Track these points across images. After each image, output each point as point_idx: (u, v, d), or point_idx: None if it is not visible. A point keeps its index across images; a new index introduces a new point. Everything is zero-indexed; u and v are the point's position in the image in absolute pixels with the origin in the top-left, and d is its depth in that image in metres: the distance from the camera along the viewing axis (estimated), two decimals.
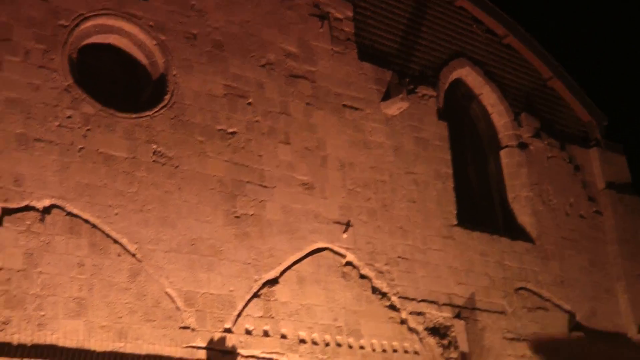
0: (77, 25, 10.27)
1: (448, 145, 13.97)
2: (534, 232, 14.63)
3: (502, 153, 15.23)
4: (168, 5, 11.18)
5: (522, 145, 15.23)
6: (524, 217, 14.77)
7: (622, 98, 31.01)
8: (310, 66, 12.52)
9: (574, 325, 14.37)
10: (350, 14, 13.31)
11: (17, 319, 8.75)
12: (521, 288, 13.88)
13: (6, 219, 9.05)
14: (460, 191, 14.05)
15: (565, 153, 15.94)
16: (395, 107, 13.15)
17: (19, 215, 9.15)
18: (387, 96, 13.21)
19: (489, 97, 15.39)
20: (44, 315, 8.93)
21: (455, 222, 13.44)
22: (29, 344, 8.73)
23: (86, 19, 10.39)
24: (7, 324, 8.67)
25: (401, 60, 13.94)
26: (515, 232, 14.55)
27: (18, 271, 8.92)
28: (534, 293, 14.04)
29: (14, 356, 8.55)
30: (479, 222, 14.20)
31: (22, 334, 8.72)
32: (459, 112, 15.23)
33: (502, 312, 13.36)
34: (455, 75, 14.94)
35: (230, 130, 11.23)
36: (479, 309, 13.04)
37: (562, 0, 31.58)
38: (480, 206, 14.84)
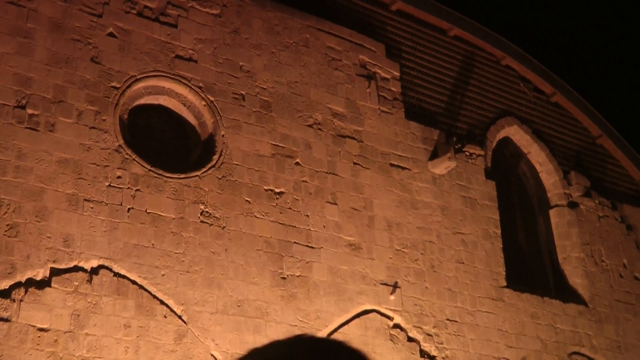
0: (128, 86, 10.43)
1: (496, 205, 13.75)
2: (586, 294, 14.22)
3: (552, 212, 14.95)
4: (217, 67, 11.31)
5: (572, 205, 14.94)
6: (576, 279, 14.39)
7: None
8: (357, 126, 12.50)
9: None
10: (397, 73, 13.32)
11: None
12: (575, 353, 13.44)
13: (54, 279, 9.07)
14: (509, 252, 13.78)
15: (617, 212, 15.58)
16: (442, 166, 13.02)
17: (67, 275, 9.17)
18: (434, 155, 13.10)
19: (537, 156, 15.19)
20: None
21: (504, 283, 13.13)
22: None
23: (137, 80, 10.55)
24: None
25: (448, 119, 13.88)
26: (567, 294, 14.16)
27: (65, 332, 8.90)
28: (589, 358, 13.57)
29: None
30: (529, 283, 13.87)
31: None
32: (507, 171, 15.04)
33: None
34: (503, 133, 14.80)
35: (278, 190, 11.20)
36: None
37: (609, 58, 31.35)
38: (530, 267, 14.51)
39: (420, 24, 14.30)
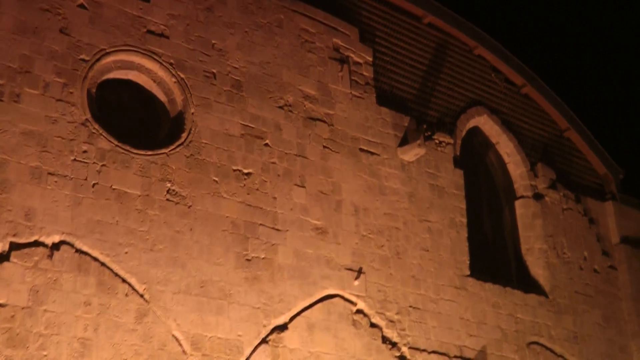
0: (97, 60, 10.22)
1: (463, 194, 13.79)
2: (547, 285, 14.37)
3: (517, 203, 15.04)
4: (189, 44, 11.13)
5: (538, 196, 15.04)
6: (538, 270, 14.52)
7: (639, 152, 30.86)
8: (328, 109, 12.42)
9: None
10: (370, 58, 13.24)
11: (19, 359, 8.53)
12: (533, 342, 13.58)
13: (14, 253, 8.88)
14: (474, 241, 13.84)
15: (580, 205, 15.73)
16: (412, 153, 13.01)
17: (27, 250, 8.98)
18: (404, 142, 13.08)
19: (505, 146, 15.25)
20: (46, 356, 8.71)
21: (468, 272, 13.21)
22: None
23: (107, 54, 10.33)
24: None
25: (419, 107, 13.85)
26: (528, 284, 14.30)
27: (22, 308, 8.73)
28: (547, 348, 13.74)
29: None
30: (492, 273, 13.96)
31: None
32: (475, 160, 15.09)
33: None
34: (472, 123, 14.83)
35: (246, 171, 11.09)
36: None
37: (580, 53, 31.62)
38: (494, 257, 14.61)
39: (395, 10, 14.23)
